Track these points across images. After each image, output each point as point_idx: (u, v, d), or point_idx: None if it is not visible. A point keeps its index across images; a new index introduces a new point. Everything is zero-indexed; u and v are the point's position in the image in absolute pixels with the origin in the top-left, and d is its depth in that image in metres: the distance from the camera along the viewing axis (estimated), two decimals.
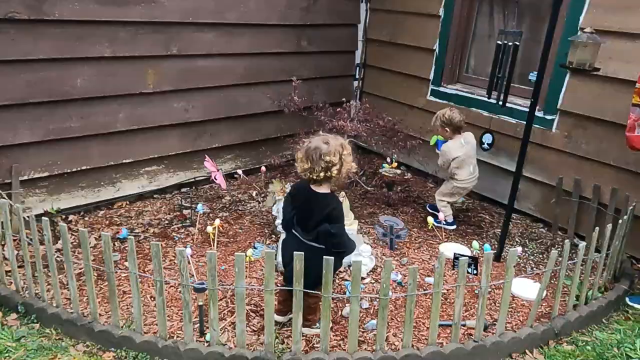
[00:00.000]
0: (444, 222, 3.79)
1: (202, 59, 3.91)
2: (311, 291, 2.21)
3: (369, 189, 4.01)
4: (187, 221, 3.64)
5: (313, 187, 2.33)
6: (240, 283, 2.17)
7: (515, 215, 4.12)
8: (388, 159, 4.30)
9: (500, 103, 3.04)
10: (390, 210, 4.06)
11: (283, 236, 2.76)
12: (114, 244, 3.32)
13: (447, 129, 3.64)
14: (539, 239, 3.78)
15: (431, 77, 4.48)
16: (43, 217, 2.43)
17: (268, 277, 2.15)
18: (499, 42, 2.89)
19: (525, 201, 4.05)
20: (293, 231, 2.38)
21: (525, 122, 3.81)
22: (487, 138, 3.89)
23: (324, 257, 2.10)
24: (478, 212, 4.17)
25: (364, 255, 3.05)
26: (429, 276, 3.12)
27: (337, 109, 3.56)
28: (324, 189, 2.33)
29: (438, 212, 3.88)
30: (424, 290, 2.98)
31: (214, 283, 2.19)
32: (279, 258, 2.79)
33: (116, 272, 2.93)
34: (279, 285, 2.53)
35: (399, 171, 4.18)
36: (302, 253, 2.09)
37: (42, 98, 3.23)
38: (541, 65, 2.86)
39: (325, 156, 2.21)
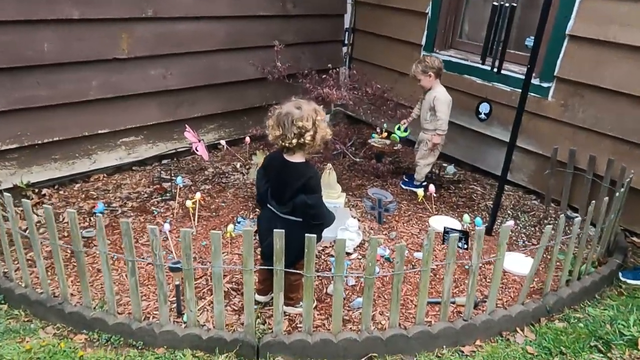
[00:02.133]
0: (418, 184, 3.76)
1: (180, 22, 3.67)
2: (292, 271, 2.09)
3: (357, 160, 3.86)
4: (167, 194, 3.48)
5: (286, 156, 2.17)
6: (217, 263, 2.04)
7: (508, 187, 4.00)
8: (378, 129, 4.14)
9: (495, 70, 2.84)
10: (379, 182, 3.93)
11: None
12: (90, 219, 3.17)
13: (430, 73, 3.48)
14: (532, 211, 3.68)
15: (423, 42, 4.28)
16: (5, 193, 2.26)
17: (247, 256, 2.02)
18: (495, 3, 2.69)
19: (519, 172, 3.93)
20: (268, 205, 2.24)
21: (519, 89, 3.69)
22: (484, 107, 3.73)
23: (306, 235, 1.96)
24: (469, 184, 4.05)
25: (350, 230, 2.92)
26: (418, 251, 3.01)
27: (324, 76, 3.36)
28: (298, 158, 2.17)
29: (414, 183, 3.78)
30: (413, 266, 2.87)
31: (188, 263, 2.06)
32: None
33: (90, 249, 2.79)
34: (258, 264, 2.41)
35: (388, 142, 4.02)
36: (282, 231, 1.96)
37: (3, 64, 3.00)
38: (539, 30, 2.68)
39: (297, 122, 2.05)
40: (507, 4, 2.63)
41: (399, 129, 3.90)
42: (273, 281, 2.07)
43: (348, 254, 2.89)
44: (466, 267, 2.83)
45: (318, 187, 2.19)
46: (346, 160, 4.18)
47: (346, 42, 4.91)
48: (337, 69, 3.59)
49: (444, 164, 4.26)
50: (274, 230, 1.96)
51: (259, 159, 3.40)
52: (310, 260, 2.01)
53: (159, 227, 3.04)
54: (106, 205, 3.31)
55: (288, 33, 4.35)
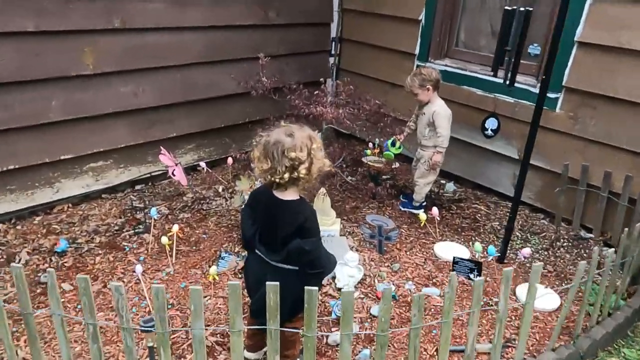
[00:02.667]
0: (418, 205, 3.47)
1: (152, 33, 3.31)
2: (288, 329, 1.74)
3: (349, 180, 3.52)
4: (141, 227, 3.10)
5: (277, 193, 1.82)
6: (198, 324, 1.67)
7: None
8: (370, 144, 3.81)
9: (508, 83, 2.55)
10: (376, 204, 3.61)
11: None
12: (51, 260, 2.77)
13: (428, 86, 3.18)
14: (541, 232, 3.39)
15: (417, 51, 3.99)
16: None
17: (233, 314, 1.66)
18: (507, 7, 2.40)
19: (524, 189, 3.63)
20: (257, 251, 1.88)
21: (525, 101, 3.42)
22: (491, 123, 3.43)
23: (306, 288, 1.62)
24: (471, 202, 3.76)
25: (350, 264, 2.59)
26: (426, 286, 2.68)
27: (315, 92, 3.03)
28: (290, 195, 1.82)
29: (414, 204, 3.48)
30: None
31: (163, 326, 1.69)
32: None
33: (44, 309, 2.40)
34: (247, 321, 2.05)
35: (383, 159, 3.70)
36: (277, 284, 1.61)
37: None
38: (555, 37, 2.40)
39: (289, 152, 1.71)
40: (522, 8, 2.34)
41: (393, 145, 3.59)
42: (264, 336, 1.71)
43: None
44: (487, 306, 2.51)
45: (316, 229, 1.83)
46: (338, 180, 3.85)
47: (333, 52, 4.60)
48: (326, 84, 3.26)
49: (442, 181, 3.97)
50: (266, 282, 1.61)
51: (243, 185, 3.05)
52: (312, 318, 1.66)
53: (130, 269, 2.66)
54: (70, 241, 2.92)
55: (271, 44, 4.02)
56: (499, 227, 3.42)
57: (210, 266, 2.70)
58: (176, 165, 3.32)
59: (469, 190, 3.94)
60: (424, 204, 3.55)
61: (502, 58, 2.51)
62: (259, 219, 1.85)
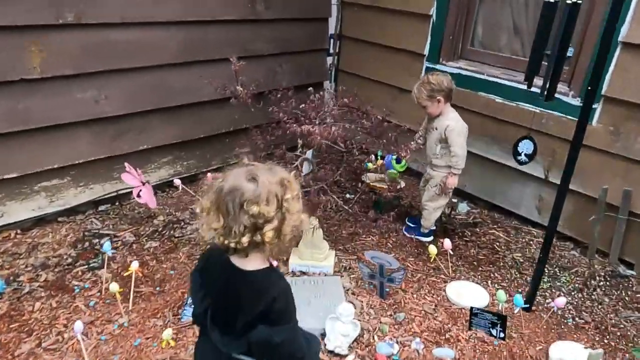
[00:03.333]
0: (426, 232, 3.00)
1: (116, 29, 2.81)
2: None
3: (345, 207, 2.99)
4: (97, 260, 2.61)
5: (235, 259, 1.31)
6: None
7: (536, 231, 3.21)
8: (372, 155, 3.29)
9: (545, 95, 2.03)
10: (378, 231, 3.10)
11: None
12: None
13: (438, 97, 2.67)
14: (572, 266, 2.88)
15: (426, 51, 3.47)
16: None
17: None
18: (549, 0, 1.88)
19: (549, 214, 3.13)
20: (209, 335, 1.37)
21: (555, 112, 2.91)
22: (526, 146, 2.88)
23: None
24: (488, 227, 3.25)
25: (344, 320, 2.09)
26: (437, 344, 2.18)
27: (302, 106, 2.50)
28: (254, 263, 1.30)
29: (422, 230, 3.00)
30: None
31: None
32: None
33: None
34: None
35: (385, 177, 3.20)
36: None
37: None
38: (606, 37, 1.88)
39: (250, 205, 1.20)
40: (568, 0, 1.81)
41: (398, 162, 3.08)
42: None
43: (340, 356, 2.05)
44: None
45: (290, 313, 1.31)
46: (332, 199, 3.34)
47: (332, 51, 4.09)
48: (321, 92, 2.75)
49: (454, 199, 3.46)
50: None
51: None
52: None
53: (75, 318, 2.16)
54: (11, 279, 2.44)
55: (259, 41, 3.52)
56: (521, 260, 2.92)
57: (173, 315, 2.21)
58: (143, 184, 2.84)
59: (485, 212, 3.43)
60: (433, 228, 3.05)
61: (539, 64, 1.99)
62: (211, 292, 1.35)
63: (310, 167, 2.63)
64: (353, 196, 3.44)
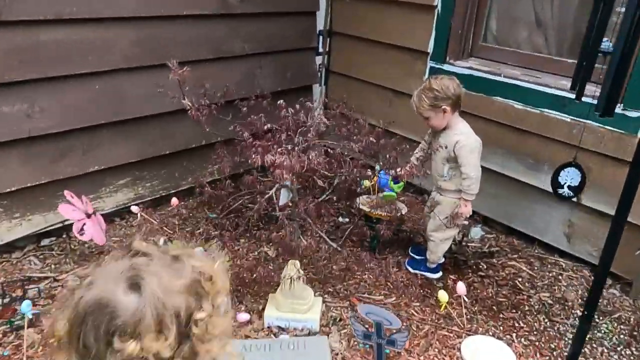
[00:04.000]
0: (433, 267, 2.50)
1: (47, 28, 2.30)
2: None
3: (333, 244, 2.46)
4: (18, 319, 2.09)
5: None
6: None
7: (564, 262, 2.69)
8: (368, 171, 2.76)
9: (601, 108, 1.49)
10: (376, 263, 2.59)
11: None
12: None
13: (444, 107, 2.15)
14: (614, 310, 2.36)
15: (430, 49, 2.94)
16: None
17: None
18: None
19: (582, 241, 2.61)
20: None
21: (589, 121, 2.38)
22: (571, 176, 2.34)
23: None
24: (507, 258, 2.73)
25: None
26: None
27: (272, 130, 1.95)
28: None
29: (427, 265, 2.49)
30: None
31: None
32: None
33: None
34: None
35: (383, 199, 2.68)
36: None
37: None
38: None
39: (121, 340, 0.69)
40: None
41: (396, 182, 2.56)
42: None
43: None
44: None
45: None
46: (323, 222, 2.83)
47: (321, 50, 3.56)
48: (302, 100, 2.21)
49: (465, 222, 2.93)
50: None
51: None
52: None
53: None
54: None
55: (235, 40, 3.00)
56: (550, 301, 2.40)
57: None
58: (89, 216, 2.33)
59: (502, 238, 2.90)
60: (442, 261, 2.54)
61: (592, 67, 1.47)
62: None
63: (289, 195, 2.11)
64: (347, 220, 2.93)
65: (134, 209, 2.66)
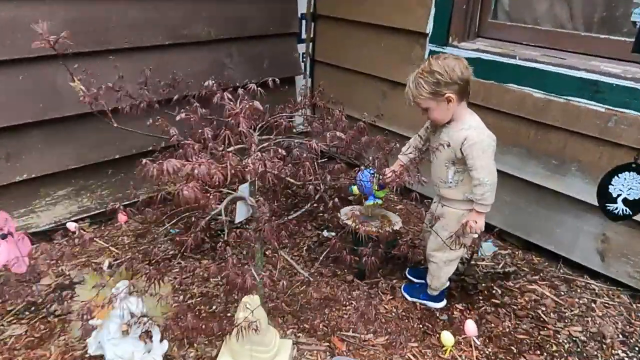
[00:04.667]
0: (436, 295, 2.01)
1: None
2: None
3: (304, 273, 1.98)
4: None
5: None
6: None
7: (598, 285, 2.20)
8: (358, 175, 2.26)
9: None
10: (365, 290, 2.11)
11: None
12: None
13: (447, 94, 1.67)
14: None
15: (429, 29, 2.47)
16: None
17: None
18: None
19: (620, 260, 2.12)
20: None
21: (626, 110, 1.90)
22: (629, 185, 1.82)
23: None
24: (527, 281, 2.24)
25: None
26: None
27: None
28: None
29: (429, 292, 2.01)
30: None
31: None
32: None
33: None
34: None
35: (372, 218, 2.19)
36: None
37: None
38: None
39: None
40: None
41: (381, 187, 2.07)
42: None
43: None
44: None
45: None
46: (303, 239, 2.36)
47: (304, 36, 3.09)
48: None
49: (474, 235, 2.44)
50: None
51: (87, 289, 1.57)
52: None
53: None
54: None
55: (198, 23, 2.54)
56: (583, 337, 1.91)
57: None
58: (4, 237, 1.87)
59: (519, 255, 2.42)
60: (447, 287, 2.05)
61: None
62: None
63: (249, 210, 1.64)
64: (333, 235, 2.44)
65: (70, 225, 2.20)
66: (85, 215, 2.46)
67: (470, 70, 1.72)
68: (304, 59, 3.15)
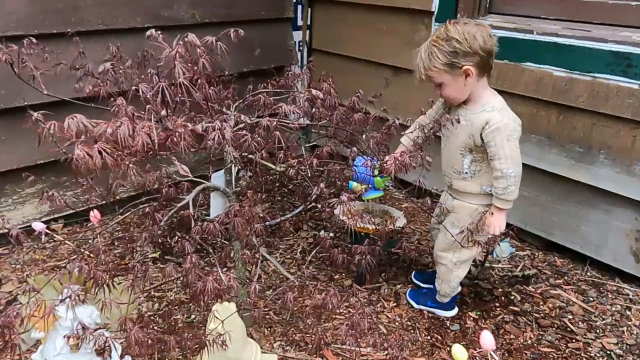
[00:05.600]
0: (447, 302, 1.75)
1: None
2: None
3: (290, 276, 1.74)
4: None
5: None
6: None
7: (632, 289, 1.93)
8: (355, 168, 2.00)
9: None
10: (367, 292, 1.86)
11: None
12: None
13: (468, 67, 1.43)
14: None
15: (434, 6, 2.23)
16: None
17: None
18: None
19: None
20: None
21: None
22: None
23: None
24: (550, 285, 1.97)
25: None
26: None
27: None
28: None
29: (438, 299, 1.76)
30: None
31: None
32: None
33: None
34: None
35: (373, 217, 1.94)
36: None
37: None
38: None
39: None
40: None
41: (381, 176, 1.81)
42: None
43: None
44: None
45: None
46: (297, 236, 2.12)
47: (300, 22, 2.87)
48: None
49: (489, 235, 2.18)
50: None
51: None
52: None
53: None
54: None
55: (181, 4, 2.33)
56: (619, 351, 1.64)
57: None
58: None
59: (539, 256, 2.15)
60: (458, 292, 1.79)
61: None
62: None
63: (226, 202, 1.40)
64: (329, 234, 2.19)
65: (37, 226, 1.97)
66: (58, 215, 2.25)
67: (495, 39, 1.47)
68: (300, 48, 2.93)
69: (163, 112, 0.98)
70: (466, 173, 1.55)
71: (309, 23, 2.88)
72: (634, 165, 1.77)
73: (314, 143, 2.58)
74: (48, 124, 0.86)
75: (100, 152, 0.75)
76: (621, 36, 1.74)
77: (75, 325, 1.27)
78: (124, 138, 0.78)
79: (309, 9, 2.85)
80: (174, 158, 0.91)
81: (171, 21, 2.31)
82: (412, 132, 1.62)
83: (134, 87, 1.08)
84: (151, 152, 0.87)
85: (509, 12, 2.12)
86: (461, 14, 2.17)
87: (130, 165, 0.82)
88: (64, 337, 1.17)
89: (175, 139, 0.85)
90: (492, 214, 1.53)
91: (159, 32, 1.29)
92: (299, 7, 2.82)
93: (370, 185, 1.76)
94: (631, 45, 1.69)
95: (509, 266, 2.08)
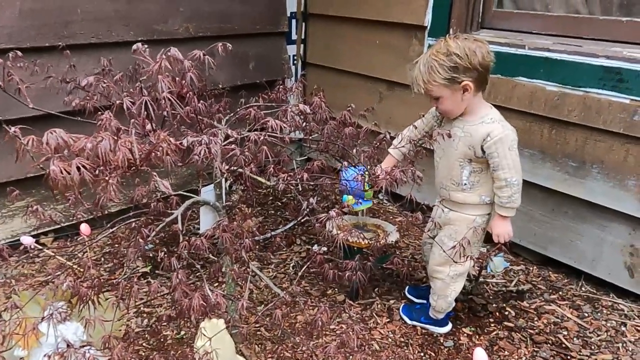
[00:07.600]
0: (437, 317, 1.74)
1: None
2: None
3: (280, 292, 1.73)
4: None
5: None
6: None
7: (627, 304, 1.91)
8: (342, 172, 1.96)
9: None
10: (359, 308, 1.83)
11: None
12: None
13: (467, 82, 1.44)
14: None
15: (427, 21, 2.24)
16: None
17: None
18: None
19: None
20: None
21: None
22: None
23: None
24: (545, 301, 1.95)
25: None
26: None
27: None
28: None
29: (432, 315, 1.74)
30: None
31: None
32: None
33: None
34: None
35: (364, 231, 1.93)
36: None
37: None
38: None
39: None
40: None
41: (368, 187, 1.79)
42: None
43: None
44: None
45: None
46: (290, 251, 2.09)
47: (294, 37, 2.88)
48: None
49: (482, 248, 2.17)
50: None
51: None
52: None
53: None
54: None
55: (175, 18, 2.34)
56: None
57: None
58: None
59: (534, 271, 2.13)
60: (452, 311, 1.77)
61: None
62: None
63: (215, 217, 1.38)
64: (321, 249, 2.18)
65: (25, 240, 1.95)
66: (48, 229, 2.22)
67: (492, 55, 1.48)
68: (295, 62, 2.93)
69: (148, 127, 0.97)
70: (465, 184, 1.54)
71: (303, 37, 2.89)
72: (627, 180, 1.77)
73: (307, 157, 2.58)
74: (26, 139, 0.85)
75: (78, 168, 0.74)
76: (612, 51, 1.75)
77: (58, 343, 1.25)
78: (105, 153, 0.76)
79: (304, 24, 2.86)
80: (154, 173, 0.90)
81: (165, 35, 2.32)
82: (400, 143, 1.61)
83: (118, 102, 1.07)
84: (134, 167, 0.85)
85: (500, 27, 2.13)
86: (454, 29, 2.17)
87: (111, 181, 0.80)
88: (44, 356, 1.14)
89: (158, 153, 0.84)
90: (497, 224, 1.53)
91: (146, 46, 1.28)
92: (294, 21, 2.83)
93: (360, 201, 1.75)
94: (622, 60, 1.70)
95: (503, 281, 2.06)
